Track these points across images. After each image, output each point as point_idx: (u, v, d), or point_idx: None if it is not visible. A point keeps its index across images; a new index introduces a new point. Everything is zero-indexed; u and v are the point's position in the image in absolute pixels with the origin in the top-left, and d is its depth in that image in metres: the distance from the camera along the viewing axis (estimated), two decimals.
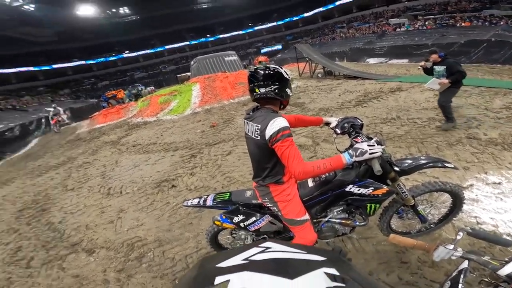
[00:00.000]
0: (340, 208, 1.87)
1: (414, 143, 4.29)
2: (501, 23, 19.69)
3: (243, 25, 50.62)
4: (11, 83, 35.37)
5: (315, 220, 1.91)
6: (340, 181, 1.77)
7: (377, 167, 1.54)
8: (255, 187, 1.84)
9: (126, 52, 46.93)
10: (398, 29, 27.70)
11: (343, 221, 1.86)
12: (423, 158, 1.93)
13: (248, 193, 1.99)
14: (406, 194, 1.86)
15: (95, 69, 45.46)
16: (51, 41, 40.38)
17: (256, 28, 50.57)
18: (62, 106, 17.62)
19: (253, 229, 1.90)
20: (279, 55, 36.40)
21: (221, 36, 50.43)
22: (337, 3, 40.39)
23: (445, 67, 4.54)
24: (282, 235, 1.99)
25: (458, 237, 1.08)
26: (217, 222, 1.98)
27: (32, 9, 33.10)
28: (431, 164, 1.87)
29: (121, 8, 40.93)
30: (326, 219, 1.88)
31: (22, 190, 6.31)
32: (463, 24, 22.17)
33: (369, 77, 10.97)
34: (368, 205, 1.82)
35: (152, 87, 21.97)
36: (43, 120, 16.50)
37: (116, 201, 4.48)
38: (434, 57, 4.64)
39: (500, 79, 8.35)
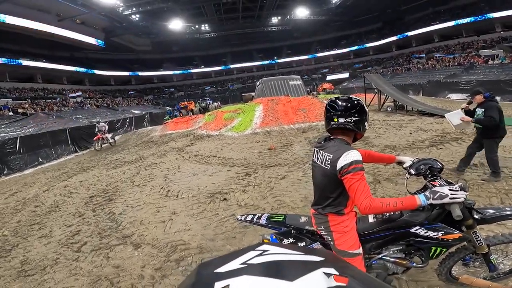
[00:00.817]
0: (399, 248, 1.81)
1: (497, 193, 3.76)
2: None
3: (310, 50, 51.35)
4: (110, 84, 42.19)
5: (367, 255, 1.85)
6: (406, 221, 1.72)
7: (457, 212, 1.50)
8: (313, 214, 1.84)
9: (202, 66, 51.95)
10: (490, 62, 24.41)
11: (398, 260, 1.80)
12: (509, 209, 1.82)
13: (303, 219, 1.99)
14: (481, 243, 1.77)
15: (175, 80, 51.25)
16: (146, 50, 47.10)
17: (323, 53, 50.63)
18: (144, 110, 20.39)
19: None
20: (345, 84, 35.62)
21: (287, 59, 51.89)
22: (416, 32, 37.51)
23: (484, 109, 4.05)
24: None
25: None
26: (266, 241, 1.97)
27: (137, 18, 36.64)
28: None
29: (203, 25, 45.05)
30: (380, 256, 1.82)
31: (97, 178, 7.28)
32: None
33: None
34: (434, 248, 1.75)
35: (219, 102, 23.73)
36: (127, 120, 19.29)
37: (171, 203, 4.80)
38: (479, 98, 4.19)
39: None
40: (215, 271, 0.56)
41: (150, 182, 6.28)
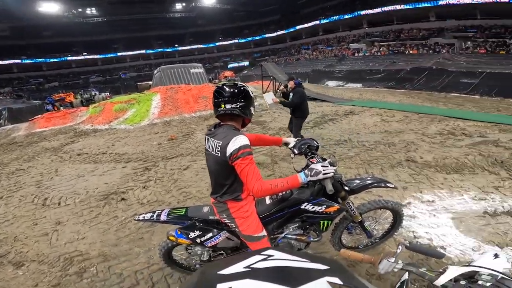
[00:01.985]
0: (296, 225, 1.95)
1: (362, 164, 4.58)
2: (443, 51, 22.01)
3: (214, 38, 50.86)
4: None
5: (272, 236, 1.96)
6: (296, 199, 1.86)
7: (329, 187, 1.64)
8: (213, 203, 1.85)
9: (84, 54, 44.01)
10: (356, 54, 29.83)
11: (299, 237, 1.93)
12: (369, 178, 2.12)
13: (206, 209, 1.98)
14: (355, 212, 2.01)
15: (45, 69, 41.80)
16: (1, 35, 36.38)
17: (226, 42, 51.04)
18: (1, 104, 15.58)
19: (209, 245, 1.89)
20: (245, 72, 37.13)
21: (189, 47, 49.96)
22: (306, 25, 41.92)
23: (292, 94, 4.89)
24: (240, 251, 2.00)
25: (398, 251, 1.15)
26: (171, 238, 1.95)
27: None
28: (375, 184, 2.08)
29: (88, 9, 38.76)
30: (283, 235, 1.93)
31: None
32: (411, 51, 24.50)
33: (327, 100, 11.59)
34: (321, 221, 1.94)
35: (108, 93, 20.68)
36: None
37: (52, 212, 4.03)
38: (291, 83, 4.99)
39: (435, 106, 9.42)
40: (218, 272, 0.56)
41: (17, 192, 5.02)
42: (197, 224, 1.92)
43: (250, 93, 1.70)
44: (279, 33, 47.01)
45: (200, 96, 12.16)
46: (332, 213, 1.88)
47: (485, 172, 3.98)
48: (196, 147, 6.54)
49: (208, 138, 1.72)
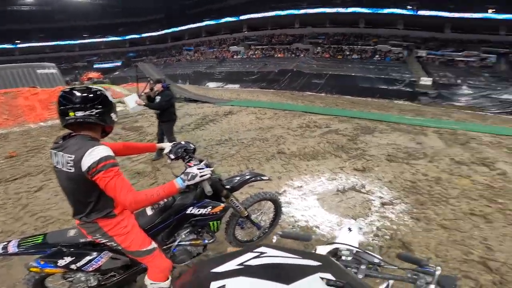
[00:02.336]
0: (187, 230, 1.92)
1: (243, 160, 4.81)
2: (302, 55, 25.98)
3: (76, 35, 42.67)
4: None
5: (165, 247, 1.88)
6: (180, 205, 1.83)
7: (207, 188, 1.67)
8: (79, 225, 1.63)
9: None
10: (235, 56, 31.54)
11: (193, 242, 1.91)
12: (248, 174, 2.26)
13: (72, 232, 1.75)
14: (240, 207, 2.09)
15: None
16: None
17: (93, 40, 43.68)
18: None
19: (91, 269, 1.70)
20: (117, 73, 33.07)
21: (38, 44, 40.24)
22: (191, 26, 40.66)
23: (160, 97, 4.68)
24: (133, 268, 1.84)
25: (274, 241, 1.17)
26: (34, 269, 1.68)
27: None
28: (253, 178, 2.23)
29: None
30: (176, 243, 1.88)
31: None
32: (279, 55, 27.80)
33: (208, 101, 11.75)
34: (211, 223, 1.96)
35: None
36: None
37: None
38: (158, 86, 4.78)
39: (296, 104, 11.18)
40: (212, 271, 0.56)
41: None
42: (65, 250, 1.69)
43: (109, 97, 1.53)
44: (160, 32, 43.98)
45: (51, 101, 9.82)
46: (218, 212, 1.93)
47: (332, 156, 4.96)
48: (49, 163, 5.16)
49: (55, 153, 1.48)
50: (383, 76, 18.10)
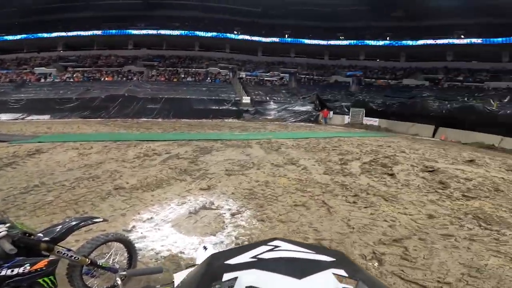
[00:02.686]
0: None
1: (68, 205, 3.98)
2: (135, 78, 24.31)
3: None
4: None
5: None
6: None
7: (7, 247, 1.50)
8: None
9: None
10: (43, 80, 24.96)
11: None
12: (74, 220, 2.02)
13: None
14: (75, 257, 1.89)
15: None
16: None
17: None
18: None
19: None
20: None
21: None
22: None
23: None
24: None
25: (119, 283, 1.10)
26: None
27: None
28: (82, 223, 2.02)
29: None
30: None
31: None
32: (106, 78, 24.71)
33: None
34: (40, 280, 1.69)
35: None
36: None
37: None
38: None
39: (130, 132, 10.38)
40: (225, 262, 0.57)
41: None
42: None
43: None
44: None
45: None
46: (44, 268, 1.67)
47: (177, 181, 4.98)
48: None
49: None
50: (214, 97, 20.29)
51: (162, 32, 29.01)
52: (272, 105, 20.70)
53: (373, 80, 28.36)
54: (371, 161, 7.09)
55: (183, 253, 2.91)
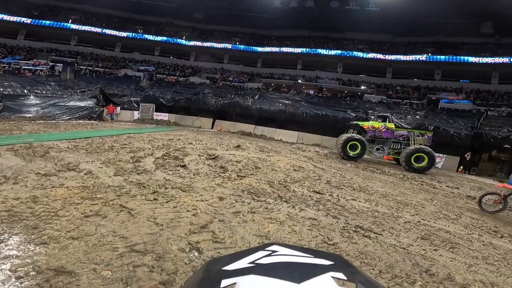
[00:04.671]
0: None
1: None
2: None
3: None
4: None
5: None
6: None
7: None
8: None
9: None
10: None
11: None
12: None
13: None
14: None
15: None
16: None
17: None
18: None
19: None
20: None
21: None
22: None
23: None
24: None
25: None
26: None
27: None
28: None
29: None
30: None
31: None
32: None
33: None
34: None
35: None
36: None
37: None
38: None
39: None
40: (223, 268, 0.56)
41: None
42: None
43: None
44: None
45: None
46: None
47: None
48: None
49: None
50: None
51: None
52: (33, 100, 15.75)
53: (164, 76, 29.11)
54: (164, 155, 7.12)
55: None
